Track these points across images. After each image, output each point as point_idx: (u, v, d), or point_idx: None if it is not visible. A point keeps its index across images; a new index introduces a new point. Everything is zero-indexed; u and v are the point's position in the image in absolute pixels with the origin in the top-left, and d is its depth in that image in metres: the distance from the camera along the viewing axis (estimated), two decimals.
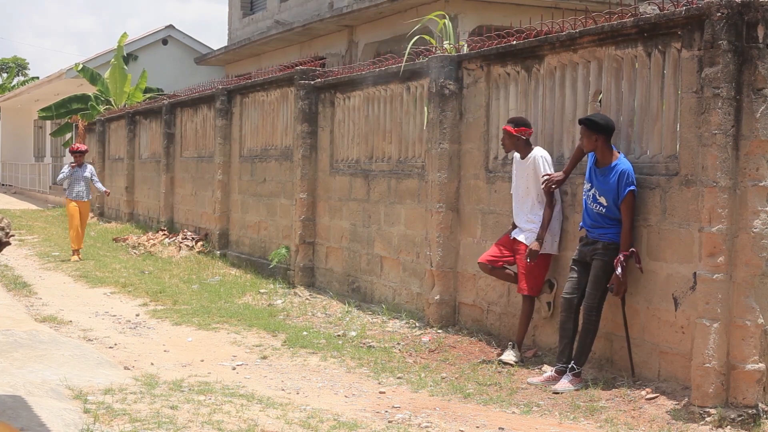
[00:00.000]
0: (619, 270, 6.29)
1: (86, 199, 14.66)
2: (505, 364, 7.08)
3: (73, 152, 14.90)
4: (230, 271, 12.62)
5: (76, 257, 14.06)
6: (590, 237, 6.58)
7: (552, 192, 7.10)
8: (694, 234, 5.96)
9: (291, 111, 11.88)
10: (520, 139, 7.31)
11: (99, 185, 15.15)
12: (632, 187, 6.34)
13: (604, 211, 6.46)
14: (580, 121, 6.61)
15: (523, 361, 7.16)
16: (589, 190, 6.58)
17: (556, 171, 7.17)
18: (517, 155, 7.41)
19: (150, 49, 28.00)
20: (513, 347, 7.22)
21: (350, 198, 10.43)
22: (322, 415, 5.59)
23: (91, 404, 5.47)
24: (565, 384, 6.41)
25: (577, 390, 6.34)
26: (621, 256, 6.30)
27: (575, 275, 6.64)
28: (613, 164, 6.42)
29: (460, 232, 8.47)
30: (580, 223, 6.75)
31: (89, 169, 14.81)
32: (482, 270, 7.61)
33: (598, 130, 6.43)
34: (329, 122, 11.02)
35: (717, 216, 5.58)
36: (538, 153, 7.25)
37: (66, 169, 14.76)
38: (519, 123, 7.34)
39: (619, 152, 6.51)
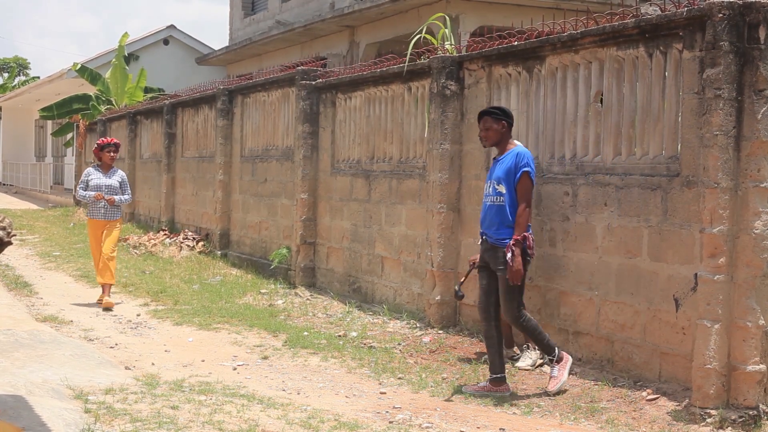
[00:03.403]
0: (509, 255, 6.20)
1: (115, 217, 10.25)
2: (522, 369, 7.03)
3: (103, 147, 10.38)
4: (231, 271, 12.62)
5: (106, 297, 9.94)
6: (489, 241, 6.42)
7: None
8: (695, 235, 5.96)
9: (292, 111, 11.88)
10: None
11: (124, 198, 10.32)
12: (527, 169, 6.32)
13: (504, 201, 6.34)
14: (485, 113, 6.57)
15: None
16: (489, 185, 6.52)
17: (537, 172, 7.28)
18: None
19: (151, 49, 28.01)
20: (528, 349, 7.16)
21: (351, 198, 10.43)
22: (323, 416, 5.59)
23: (92, 404, 5.47)
24: (556, 381, 6.32)
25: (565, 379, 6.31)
26: (512, 242, 6.21)
27: (484, 281, 6.50)
28: (510, 150, 6.44)
29: (461, 233, 8.47)
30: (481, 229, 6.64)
31: (119, 175, 10.42)
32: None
33: (507, 118, 6.51)
34: (330, 122, 11.02)
35: (718, 217, 5.58)
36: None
37: (93, 174, 10.31)
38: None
39: (517, 143, 6.57)
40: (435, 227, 8.52)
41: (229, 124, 14.26)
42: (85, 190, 10.24)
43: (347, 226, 10.50)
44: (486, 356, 7.34)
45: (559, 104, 7.41)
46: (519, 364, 7.09)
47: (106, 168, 10.35)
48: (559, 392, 6.32)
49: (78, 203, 25.35)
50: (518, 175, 6.33)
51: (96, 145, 10.49)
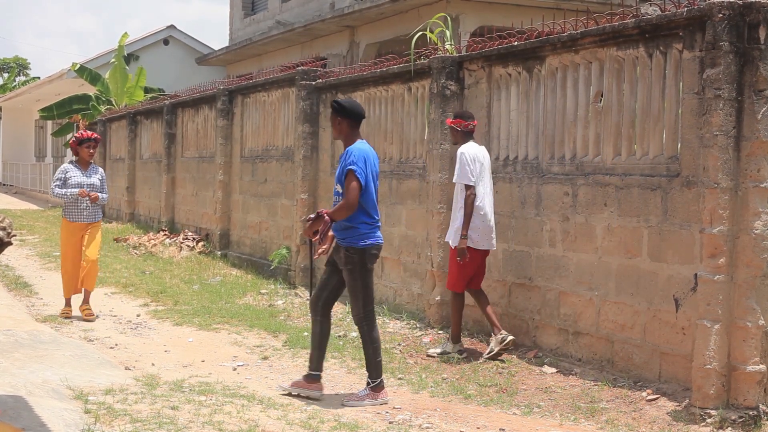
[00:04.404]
0: (312, 215, 6.11)
1: (96, 220, 9.28)
2: (429, 356, 7.45)
3: (81, 141, 9.22)
4: (231, 272, 12.62)
5: (67, 310, 9.16)
6: (336, 241, 6.25)
7: (471, 187, 7.26)
8: (695, 235, 5.96)
9: (292, 111, 11.88)
10: (455, 130, 7.54)
11: (103, 196, 9.22)
12: (352, 167, 5.99)
13: (341, 201, 6.12)
14: (331, 105, 6.39)
15: (461, 353, 7.40)
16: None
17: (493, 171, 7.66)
18: None
19: (151, 49, 28.03)
20: (447, 340, 7.57)
21: None
22: (323, 416, 5.59)
23: (91, 404, 5.47)
24: (359, 398, 6.09)
25: (374, 405, 5.99)
26: (321, 210, 6.07)
27: (325, 276, 6.32)
28: (346, 149, 6.17)
29: None
30: None
31: (99, 173, 9.39)
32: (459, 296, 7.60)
33: (343, 114, 6.20)
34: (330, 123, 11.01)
35: (718, 217, 5.58)
36: (462, 149, 7.42)
37: (71, 170, 9.19)
38: (456, 115, 7.65)
39: (362, 140, 6.26)
40: (435, 227, 8.52)
41: (229, 124, 14.26)
42: (62, 188, 9.09)
43: None
44: (499, 354, 7.34)
45: (559, 104, 7.41)
46: (429, 351, 7.53)
47: (84, 165, 9.23)
48: (349, 405, 6.04)
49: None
50: (344, 172, 6.05)
51: (74, 139, 9.29)
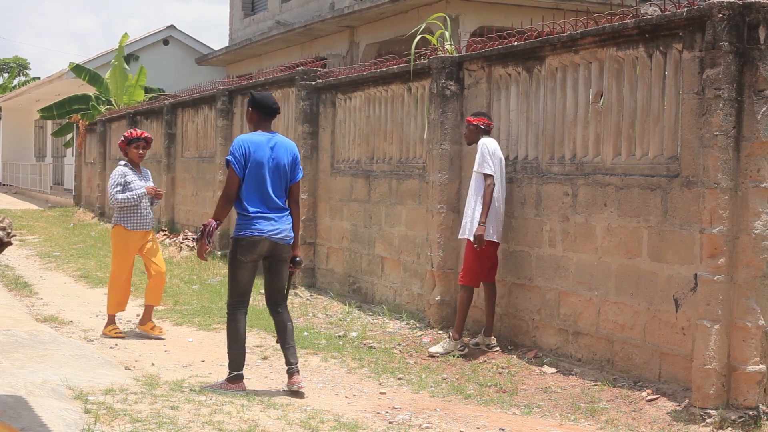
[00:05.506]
0: (198, 233, 6.13)
1: (152, 226, 8.53)
2: (431, 356, 7.46)
3: (130, 141, 8.30)
4: None
5: (117, 330, 8.29)
6: None
7: (490, 177, 7.34)
8: (695, 235, 5.96)
9: (292, 111, 11.88)
10: (478, 128, 7.64)
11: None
12: (228, 157, 6.11)
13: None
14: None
15: (462, 349, 7.46)
16: None
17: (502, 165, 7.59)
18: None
19: (151, 50, 28.04)
20: (448, 338, 7.61)
21: (351, 198, 10.43)
22: (323, 416, 5.59)
23: (91, 404, 5.47)
24: (218, 385, 6.18)
25: (231, 394, 5.99)
26: (209, 223, 6.09)
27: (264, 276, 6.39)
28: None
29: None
30: None
31: (149, 175, 8.59)
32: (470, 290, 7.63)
33: (252, 105, 6.29)
34: (330, 123, 11.02)
35: (718, 217, 5.58)
36: (483, 140, 7.53)
37: (129, 174, 8.23)
38: (477, 114, 7.77)
39: (261, 132, 6.26)
40: (435, 227, 8.52)
41: (229, 124, 14.26)
42: (123, 193, 8.13)
43: (347, 227, 10.50)
44: (484, 359, 7.34)
45: (559, 104, 7.41)
46: (430, 349, 7.55)
47: (137, 167, 8.37)
48: (214, 390, 6.11)
49: (79, 203, 25.28)
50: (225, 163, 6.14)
51: (122, 138, 8.37)
